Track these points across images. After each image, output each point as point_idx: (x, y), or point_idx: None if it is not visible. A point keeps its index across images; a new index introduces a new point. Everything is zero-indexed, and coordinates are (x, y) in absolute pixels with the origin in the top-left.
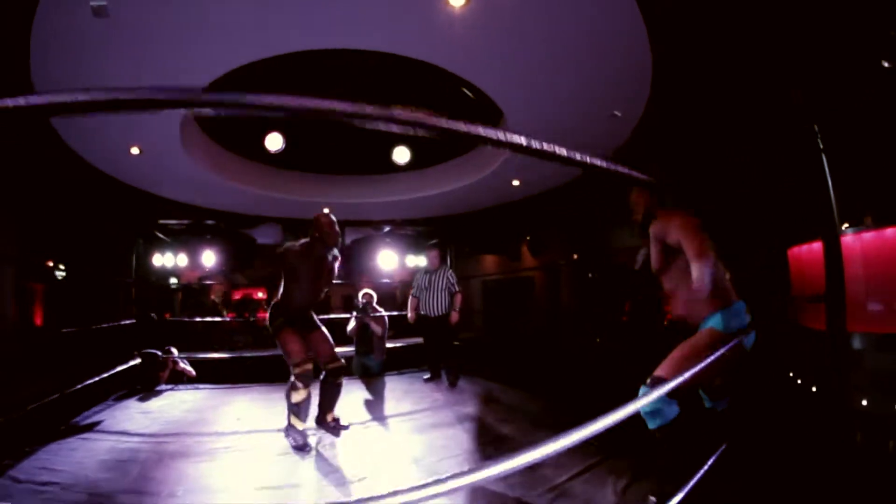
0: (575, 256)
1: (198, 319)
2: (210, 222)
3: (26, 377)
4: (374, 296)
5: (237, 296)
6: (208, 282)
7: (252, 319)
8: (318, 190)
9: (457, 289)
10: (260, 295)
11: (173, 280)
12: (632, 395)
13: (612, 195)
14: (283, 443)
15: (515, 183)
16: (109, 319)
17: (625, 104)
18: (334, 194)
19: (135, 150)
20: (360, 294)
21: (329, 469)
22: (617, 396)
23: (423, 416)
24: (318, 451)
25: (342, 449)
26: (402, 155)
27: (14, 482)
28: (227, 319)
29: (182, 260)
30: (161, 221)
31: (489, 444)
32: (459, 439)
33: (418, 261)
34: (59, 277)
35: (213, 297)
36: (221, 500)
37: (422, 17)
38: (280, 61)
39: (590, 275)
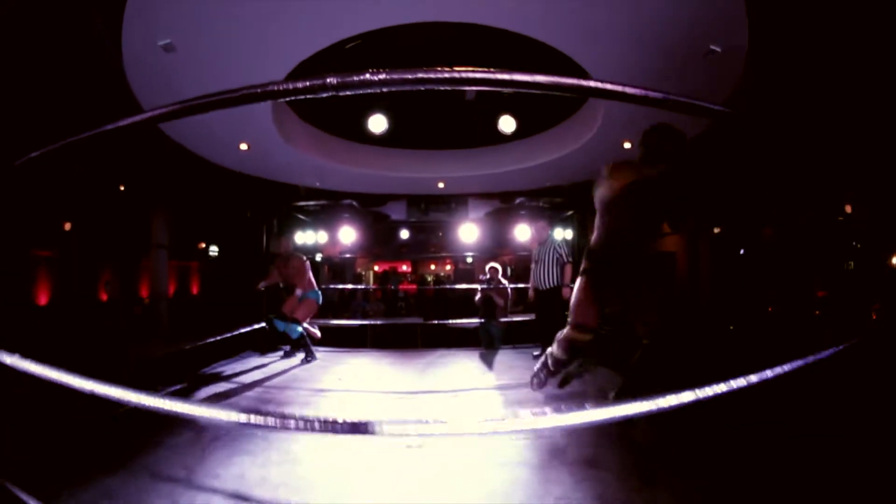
0: (716, 230)
1: (337, 287)
2: (346, 202)
3: (166, 337)
4: (500, 269)
5: (381, 268)
6: (348, 255)
7: (394, 289)
8: (428, 166)
9: (567, 259)
10: (404, 268)
11: (318, 255)
12: None
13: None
14: (371, 403)
15: (627, 145)
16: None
17: (722, 36)
18: (445, 169)
19: (243, 147)
20: (487, 267)
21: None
22: None
23: (512, 392)
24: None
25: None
26: (507, 124)
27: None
28: (371, 289)
29: (322, 237)
30: (298, 203)
31: None
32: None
33: (562, 233)
34: (212, 256)
35: (358, 269)
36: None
37: None
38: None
39: (741, 251)
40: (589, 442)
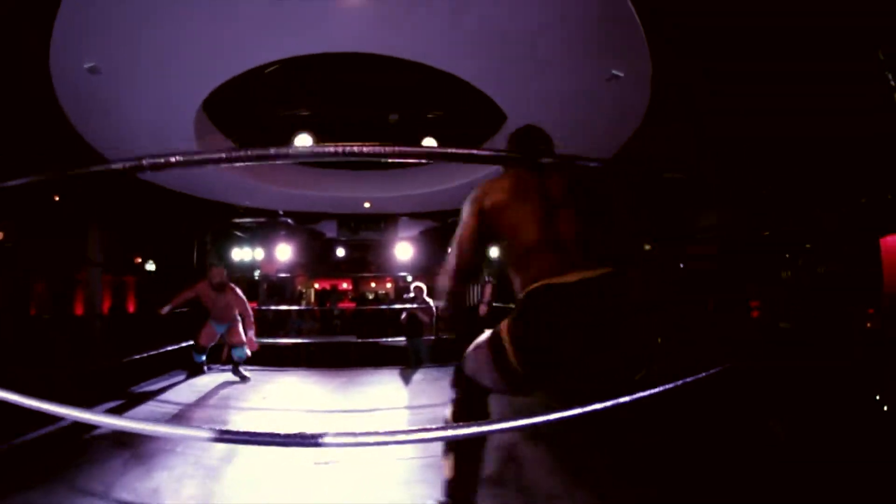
0: (647, 247)
1: (273, 308)
2: (282, 219)
3: (101, 352)
4: (424, 288)
5: (321, 286)
6: (283, 274)
7: (331, 307)
8: (354, 186)
9: (487, 279)
10: (345, 286)
11: (256, 273)
12: None
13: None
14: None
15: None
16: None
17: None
18: (370, 189)
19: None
20: (412, 286)
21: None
22: None
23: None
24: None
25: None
26: (430, 144)
27: None
28: (304, 308)
29: (259, 254)
30: (234, 220)
31: None
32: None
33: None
34: (149, 271)
35: (299, 287)
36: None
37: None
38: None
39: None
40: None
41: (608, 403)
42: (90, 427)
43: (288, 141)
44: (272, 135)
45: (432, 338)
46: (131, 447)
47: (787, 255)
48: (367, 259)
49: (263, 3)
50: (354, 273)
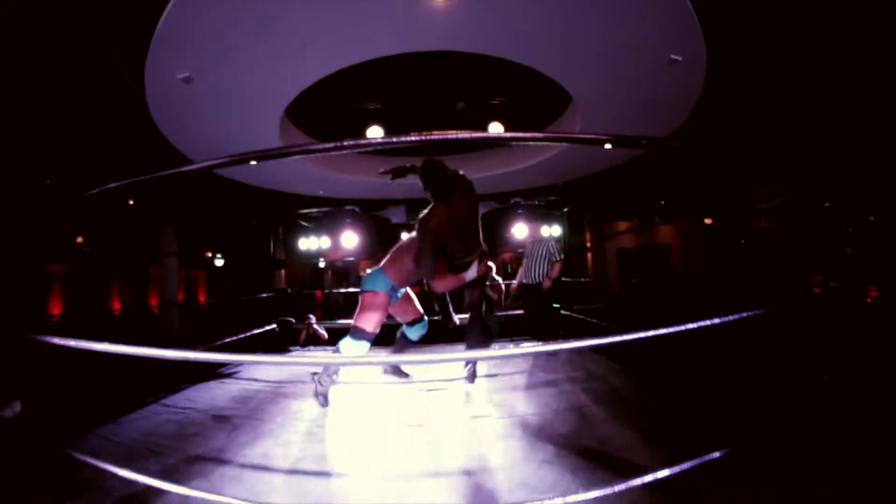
0: (708, 221)
1: (340, 291)
2: (349, 207)
3: (187, 341)
4: (493, 266)
5: None
6: (350, 258)
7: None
8: None
9: (558, 258)
10: None
11: (321, 261)
12: None
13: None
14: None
15: (608, 146)
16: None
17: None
18: None
19: (252, 163)
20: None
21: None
22: None
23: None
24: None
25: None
26: (496, 130)
27: (163, 406)
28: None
29: (325, 242)
30: (301, 211)
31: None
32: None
33: (552, 230)
34: (219, 265)
35: (360, 272)
36: (305, 428)
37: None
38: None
39: (742, 241)
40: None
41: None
42: (187, 408)
43: (360, 134)
44: (345, 129)
45: (502, 314)
46: (231, 422)
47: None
48: None
49: (349, 7)
50: None
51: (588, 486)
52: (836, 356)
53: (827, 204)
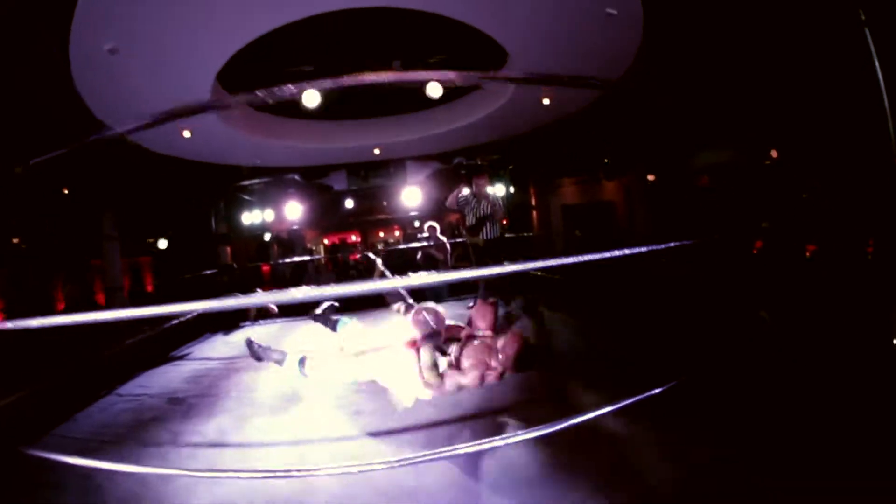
0: (651, 178)
1: (286, 262)
2: (290, 176)
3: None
4: (437, 227)
5: (330, 241)
6: (296, 228)
7: (347, 262)
8: (363, 134)
9: (502, 213)
10: (353, 238)
11: (266, 234)
12: None
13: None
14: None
15: (546, 101)
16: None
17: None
18: (379, 136)
19: (187, 134)
20: (426, 226)
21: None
22: None
23: None
24: None
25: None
26: (434, 90)
27: (117, 396)
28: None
29: (269, 215)
30: (241, 183)
31: None
32: None
33: (496, 189)
34: (163, 247)
35: (308, 244)
36: (258, 398)
37: None
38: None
39: (684, 198)
40: None
41: None
42: (141, 394)
43: (296, 98)
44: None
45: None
46: (185, 403)
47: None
48: (375, 208)
49: None
50: (363, 224)
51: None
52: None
53: (768, 163)
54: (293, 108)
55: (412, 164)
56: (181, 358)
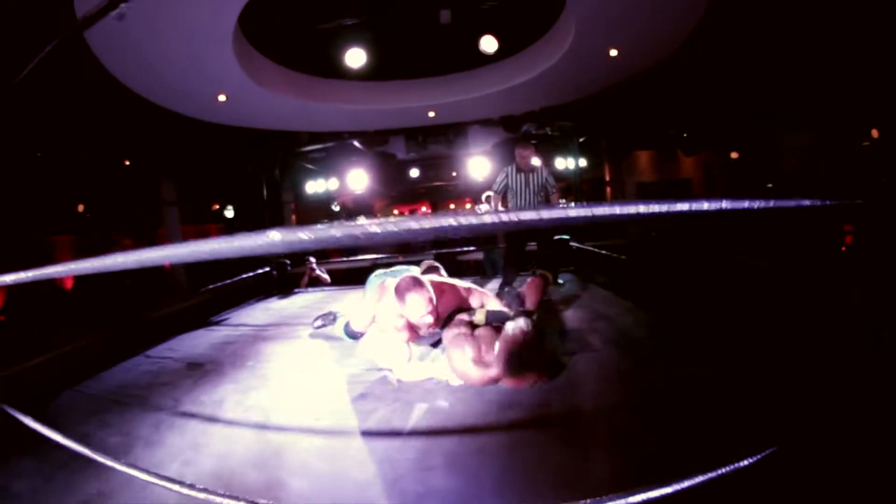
0: (734, 156)
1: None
2: (350, 141)
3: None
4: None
5: (401, 211)
6: (361, 196)
7: None
8: (413, 94)
9: (555, 189)
10: (423, 210)
11: (334, 204)
12: None
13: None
14: None
15: (613, 52)
16: None
17: None
18: (431, 96)
19: (222, 98)
20: (484, 196)
21: None
22: None
23: None
24: None
25: None
26: (489, 44)
27: (145, 357)
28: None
29: (333, 184)
30: (301, 149)
31: None
32: None
33: (567, 163)
34: (229, 216)
35: (377, 215)
36: (269, 370)
37: None
38: None
39: (769, 185)
40: None
41: None
42: (167, 357)
43: (337, 55)
44: (319, 50)
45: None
46: (202, 369)
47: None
48: (443, 179)
49: None
50: (432, 194)
51: None
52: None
53: (866, 144)
54: (338, 71)
55: (475, 131)
56: (219, 323)
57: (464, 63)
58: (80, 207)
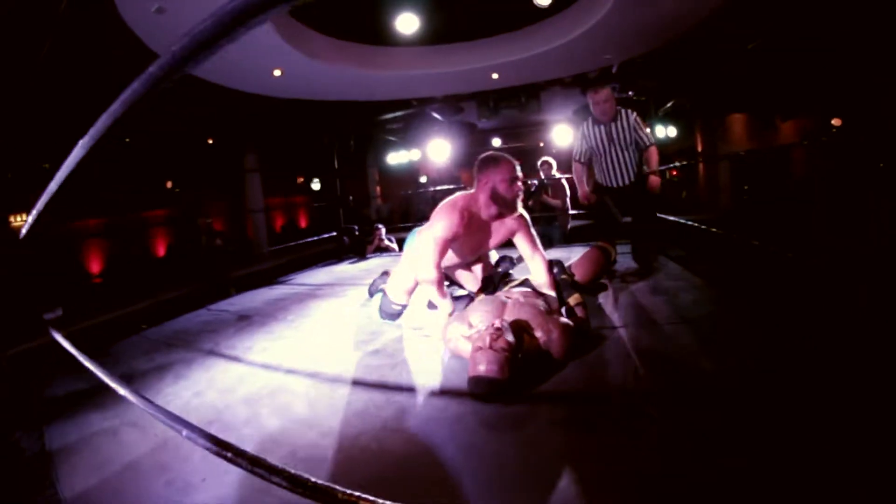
0: (836, 122)
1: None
2: (428, 110)
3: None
4: (553, 163)
5: None
6: (446, 166)
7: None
8: (471, 57)
9: (649, 141)
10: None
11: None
12: None
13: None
14: None
15: None
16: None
17: None
18: (489, 56)
19: (277, 73)
20: (539, 162)
21: None
22: None
23: None
24: None
25: None
26: None
27: (207, 310)
28: None
29: (415, 155)
30: (379, 118)
31: None
32: None
33: (656, 132)
34: (316, 189)
35: (465, 186)
36: (305, 325)
37: None
38: None
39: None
40: None
41: None
42: (224, 310)
43: (388, 23)
44: (367, 20)
45: (571, 224)
46: (249, 320)
47: None
48: (531, 149)
49: None
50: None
51: None
52: None
53: None
54: (390, 38)
55: (550, 95)
56: (285, 283)
57: (520, 22)
58: (169, 184)
